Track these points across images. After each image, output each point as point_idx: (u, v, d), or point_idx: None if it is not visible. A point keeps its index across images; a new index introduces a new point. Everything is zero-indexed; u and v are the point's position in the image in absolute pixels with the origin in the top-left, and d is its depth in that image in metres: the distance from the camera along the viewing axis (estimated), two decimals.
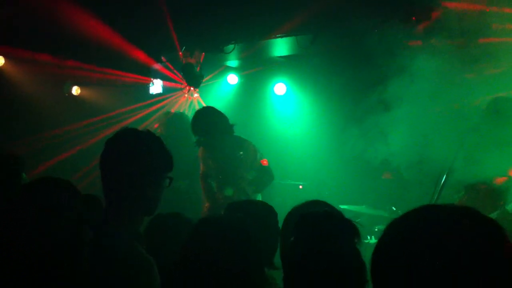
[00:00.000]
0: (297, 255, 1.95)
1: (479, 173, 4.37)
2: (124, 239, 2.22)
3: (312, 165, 7.84)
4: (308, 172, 7.86)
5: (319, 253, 1.89)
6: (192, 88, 7.84)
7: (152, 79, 8.38)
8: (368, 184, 7.03)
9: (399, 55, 5.38)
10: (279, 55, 7.99)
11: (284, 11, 6.19)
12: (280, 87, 8.45)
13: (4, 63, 7.46)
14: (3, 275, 2.31)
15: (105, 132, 7.31)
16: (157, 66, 7.91)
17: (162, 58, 7.65)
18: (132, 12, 6.40)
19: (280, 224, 2.99)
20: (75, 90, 8.41)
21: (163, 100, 8.56)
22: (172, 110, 7.89)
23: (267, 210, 3.08)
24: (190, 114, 8.16)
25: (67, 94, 8.29)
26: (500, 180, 4.46)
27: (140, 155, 2.38)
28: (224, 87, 8.85)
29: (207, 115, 5.68)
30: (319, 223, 1.98)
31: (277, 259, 2.75)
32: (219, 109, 5.77)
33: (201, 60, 7.38)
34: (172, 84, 8.29)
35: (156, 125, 7.04)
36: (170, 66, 7.88)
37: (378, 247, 1.34)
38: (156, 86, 8.56)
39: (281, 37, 6.75)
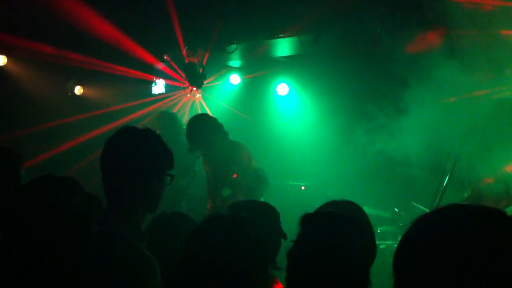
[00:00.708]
0: (300, 254, 1.95)
1: (483, 173, 4.36)
2: (126, 237, 2.21)
3: (314, 166, 7.83)
4: (311, 173, 7.84)
5: (322, 252, 1.89)
6: (194, 88, 7.83)
7: (154, 78, 8.37)
8: (370, 185, 7.01)
9: (408, 53, 5.38)
10: (281, 55, 7.99)
11: (287, 10, 6.18)
12: (282, 88, 8.44)
13: (7, 62, 7.46)
14: (3, 274, 2.31)
15: (105, 130, 7.33)
16: (159, 66, 7.90)
17: (165, 57, 7.63)
18: (135, 10, 6.39)
19: (282, 225, 3.01)
20: (78, 90, 8.41)
21: (165, 99, 8.54)
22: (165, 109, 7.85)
23: (270, 210, 3.08)
24: (191, 114, 8.22)
25: (69, 94, 8.29)
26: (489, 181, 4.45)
27: (140, 152, 2.38)
28: (227, 87, 8.84)
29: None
30: (322, 223, 1.98)
31: (279, 259, 2.75)
32: (214, 112, 5.78)
33: (204, 60, 7.37)
34: (175, 84, 8.28)
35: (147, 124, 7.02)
36: (173, 65, 7.86)
37: (404, 244, 1.33)
38: (159, 86, 8.56)
39: (284, 36, 6.74)
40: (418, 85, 5.20)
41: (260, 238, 2.08)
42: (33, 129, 7.45)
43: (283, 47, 7.46)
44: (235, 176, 5.51)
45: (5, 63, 7.44)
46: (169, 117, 6.72)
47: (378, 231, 6.61)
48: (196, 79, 7.44)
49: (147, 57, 7.36)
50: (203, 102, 8.44)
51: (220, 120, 5.80)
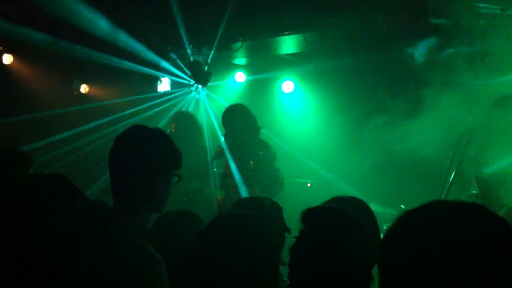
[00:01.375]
0: (301, 250, 1.95)
1: (490, 169, 4.35)
2: (132, 237, 2.21)
3: (320, 163, 7.82)
4: (316, 170, 7.83)
5: (325, 248, 1.89)
6: (200, 86, 7.84)
7: (160, 76, 8.38)
8: (376, 182, 7.00)
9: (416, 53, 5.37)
10: (286, 52, 7.98)
11: (292, 7, 6.17)
12: (287, 85, 8.44)
13: (13, 61, 7.49)
14: (3, 273, 2.31)
15: (113, 129, 7.35)
16: (165, 64, 7.91)
17: (174, 53, 7.63)
18: (141, 8, 6.40)
19: (287, 222, 3.01)
20: (84, 88, 8.44)
21: (171, 97, 8.55)
22: (182, 110, 7.87)
23: (272, 206, 3.08)
24: (196, 112, 8.23)
25: (75, 92, 8.33)
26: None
27: (145, 153, 2.38)
28: (232, 85, 8.84)
29: (236, 112, 5.71)
30: (323, 219, 1.98)
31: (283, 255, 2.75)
32: (219, 110, 5.80)
33: (209, 58, 7.38)
34: (180, 82, 8.28)
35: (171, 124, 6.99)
36: (179, 63, 7.87)
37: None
38: (164, 84, 8.57)
39: (289, 34, 6.73)
40: (427, 83, 5.18)
41: (270, 237, 2.08)
42: (38, 128, 7.49)
43: (289, 44, 7.45)
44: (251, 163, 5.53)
45: (11, 62, 7.48)
46: (186, 118, 6.69)
47: (385, 227, 6.57)
48: (202, 77, 7.44)
49: (153, 55, 7.37)
50: (210, 98, 8.45)
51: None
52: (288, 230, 2.89)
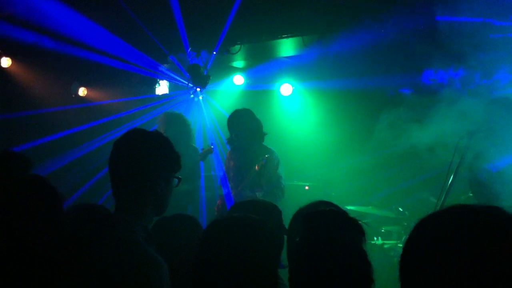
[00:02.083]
0: (303, 255, 1.94)
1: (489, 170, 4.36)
2: (134, 240, 2.21)
3: (318, 165, 7.83)
4: (315, 173, 7.84)
5: (325, 252, 1.88)
6: (198, 89, 7.84)
7: (158, 79, 8.38)
8: (374, 185, 7.00)
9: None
10: (285, 55, 7.99)
11: (291, 11, 6.18)
12: (286, 88, 8.44)
13: (11, 64, 7.48)
14: (4, 273, 2.32)
15: (109, 131, 7.36)
16: (163, 67, 7.91)
17: (172, 56, 7.63)
18: (140, 11, 6.40)
19: (285, 224, 3.01)
20: (82, 91, 8.43)
21: (169, 100, 8.56)
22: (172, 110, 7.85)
23: (271, 208, 3.08)
24: (195, 115, 8.23)
25: (73, 95, 8.32)
26: None
27: (147, 155, 2.38)
28: (230, 88, 8.84)
29: (243, 117, 5.73)
30: (325, 222, 1.98)
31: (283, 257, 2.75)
32: (218, 113, 5.81)
33: (208, 62, 7.38)
34: (179, 85, 8.29)
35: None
36: (177, 66, 7.87)
37: (410, 245, 1.33)
38: (162, 87, 8.57)
39: (287, 37, 6.74)
40: (422, 86, 5.20)
41: (272, 239, 2.08)
42: (37, 131, 7.48)
43: (287, 47, 7.47)
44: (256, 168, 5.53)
45: (9, 65, 7.47)
46: (175, 119, 6.67)
47: (383, 230, 6.60)
48: (200, 80, 7.44)
49: (151, 58, 7.37)
50: (208, 101, 8.45)
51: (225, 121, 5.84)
52: (287, 232, 2.89)
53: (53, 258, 2.22)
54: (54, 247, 2.28)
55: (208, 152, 6.27)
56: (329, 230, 1.95)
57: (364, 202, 6.82)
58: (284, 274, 2.62)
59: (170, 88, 8.62)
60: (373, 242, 6.18)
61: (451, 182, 4.40)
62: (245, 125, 5.66)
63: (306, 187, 7.74)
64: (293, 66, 8.23)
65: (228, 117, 5.85)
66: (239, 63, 8.58)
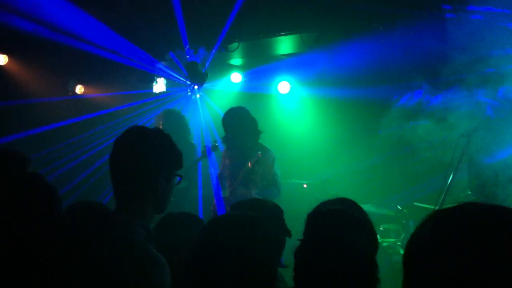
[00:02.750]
0: (307, 253, 1.93)
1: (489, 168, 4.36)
2: (135, 239, 2.19)
3: (316, 164, 7.82)
4: (313, 171, 7.83)
5: (330, 251, 1.87)
6: (196, 87, 7.82)
7: (155, 77, 8.35)
8: (373, 183, 7.00)
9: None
10: (283, 53, 7.97)
11: (289, 8, 6.16)
12: (284, 86, 8.43)
13: (8, 62, 7.45)
14: (4, 273, 2.30)
15: (106, 129, 7.33)
16: (160, 65, 7.89)
17: (168, 54, 7.61)
18: (139, 8, 6.37)
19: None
20: (79, 89, 8.40)
21: (166, 98, 8.53)
22: (170, 108, 7.83)
23: (274, 208, 3.06)
24: (192, 113, 8.21)
25: (70, 93, 8.29)
26: None
27: (148, 153, 2.36)
28: (228, 86, 8.82)
29: (238, 115, 5.70)
30: (331, 221, 1.96)
31: (284, 257, 2.74)
32: (215, 110, 5.80)
33: (207, 61, 7.36)
34: (176, 83, 8.27)
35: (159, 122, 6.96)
36: (175, 64, 7.85)
37: (412, 242, 1.31)
38: (160, 85, 8.54)
39: (285, 34, 6.73)
40: (423, 85, 5.19)
41: (270, 238, 2.06)
42: (33, 128, 7.45)
43: (285, 45, 7.45)
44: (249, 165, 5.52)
45: (6, 62, 7.44)
46: (173, 116, 6.66)
47: (381, 228, 6.60)
48: (198, 77, 7.42)
49: (149, 55, 7.34)
50: (206, 99, 8.43)
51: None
52: (289, 234, 2.88)
53: (53, 258, 2.20)
54: (54, 247, 2.27)
55: (213, 149, 6.23)
56: (333, 229, 1.94)
57: (362, 200, 6.79)
58: (286, 274, 2.62)
59: (168, 85, 8.59)
60: None
61: (450, 180, 4.40)
62: (240, 123, 5.64)
63: (304, 185, 7.74)
64: (291, 64, 8.21)
65: (223, 115, 5.82)
66: (237, 60, 8.57)
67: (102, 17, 6.31)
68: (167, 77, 8.36)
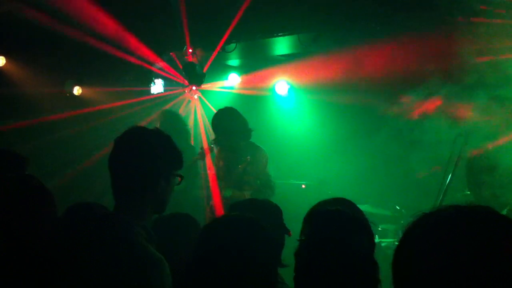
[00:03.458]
0: (308, 254, 1.93)
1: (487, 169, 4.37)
2: (135, 239, 2.19)
3: (315, 164, 7.82)
4: (311, 171, 7.83)
5: (331, 252, 1.87)
6: (193, 88, 7.82)
7: (153, 78, 8.35)
8: (371, 183, 7.00)
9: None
10: (281, 53, 7.97)
11: (287, 8, 6.16)
12: (281, 86, 8.42)
13: (5, 63, 7.43)
14: (4, 273, 2.30)
15: (104, 130, 7.33)
16: (158, 65, 7.88)
17: (167, 55, 7.60)
18: (137, 9, 6.36)
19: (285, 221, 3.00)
20: (77, 90, 8.38)
21: (164, 99, 8.52)
22: (168, 109, 7.82)
23: (273, 207, 3.07)
24: (190, 114, 8.21)
25: (68, 94, 8.27)
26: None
27: (148, 153, 2.36)
28: (225, 86, 8.82)
29: (227, 116, 5.68)
30: (331, 221, 1.96)
31: (283, 257, 2.74)
32: (213, 111, 5.78)
33: (208, 60, 7.36)
34: (174, 83, 8.26)
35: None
36: (173, 64, 7.84)
37: (406, 241, 1.31)
38: (157, 86, 8.54)
39: (283, 35, 6.73)
40: (420, 84, 5.20)
41: (270, 238, 2.07)
42: (31, 130, 7.44)
43: (283, 45, 7.45)
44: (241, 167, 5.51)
45: (3, 64, 7.42)
46: (170, 117, 6.65)
47: (379, 229, 6.60)
48: (196, 78, 7.42)
49: (147, 55, 7.33)
50: (203, 100, 8.42)
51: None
52: (288, 232, 2.88)
53: (53, 258, 2.21)
54: (54, 247, 2.27)
55: (210, 150, 6.23)
56: (335, 230, 1.94)
57: (360, 200, 6.80)
58: (285, 273, 2.62)
59: (165, 86, 8.58)
60: None
61: (449, 180, 4.40)
62: (230, 124, 5.61)
63: (303, 186, 7.74)
64: (289, 64, 8.21)
65: (212, 117, 5.80)
66: (234, 61, 8.56)
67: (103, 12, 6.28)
68: (165, 78, 8.35)
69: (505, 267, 1.15)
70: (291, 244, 2.65)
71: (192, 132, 7.29)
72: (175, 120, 6.64)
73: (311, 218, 2.01)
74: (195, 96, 8.27)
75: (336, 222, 1.97)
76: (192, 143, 7.09)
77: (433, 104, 5.08)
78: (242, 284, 1.98)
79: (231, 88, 8.80)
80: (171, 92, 8.52)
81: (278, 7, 6.20)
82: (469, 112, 4.61)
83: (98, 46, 6.80)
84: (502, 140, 4.42)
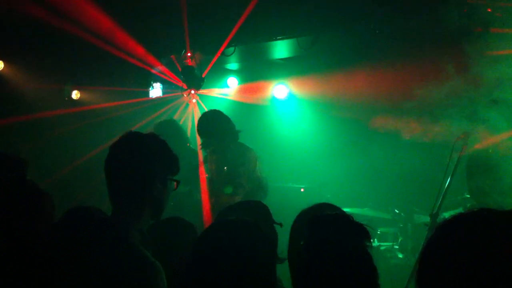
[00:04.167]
0: (308, 258, 1.92)
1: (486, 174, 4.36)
2: (131, 243, 2.19)
3: (313, 168, 7.81)
4: (310, 175, 7.82)
5: (330, 256, 1.87)
6: (192, 91, 7.82)
7: (152, 82, 8.35)
8: (370, 187, 7.00)
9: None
10: (280, 57, 7.97)
11: (286, 12, 6.17)
12: (280, 90, 8.43)
13: (4, 67, 7.42)
14: (4, 274, 2.30)
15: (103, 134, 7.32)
16: (157, 69, 7.88)
17: (166, 58, 7.60)
18: (137, 13, 6.36)
19: (281, 227, 2.99)
20: (75, 94, 8.38)
21: (162, 101, 8.52)
22: (169, 116, 7.84)
23: (256, 205, 3.08)
24: (189, 117, 8.20)
25: (66, 98, 8.27)
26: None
27: (144, 158, 2.36)
28: (224, 90, 8.82)
29: (213, 119, 5.64)
30: (331, 226, 1.96)
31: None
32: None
33: (207, 64, 7.35)
34: (173, 87, 8.26)
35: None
36: (172, 68, 7.84)
37: (433, 247, 1.29)
38: (156, 90, 8.54)
39: (282, 39, 6.73)
40: (418, 87, 5.19)
41: (269, 239, 2.07)
42: (30, 134, 7.43)
43: (282, 49, 7.45)
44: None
45: (1, 68, 7.41)
46: (170, 125, 6.64)
47: (379, 232, 6.60)
48: (194, 82, 7.42)
49: (146, 58, 7.32)
50: (202, 104, 8.42)
51: None
52: (279, 224, 2.89)
53: (53, 259, 2.21)
54: (54, 248, 2.28)
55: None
56: (334, 234, 1.93)
57: (359, 203, 6.81)
58: (284, 275, 2.61)
59: (164, 90, 8.58)
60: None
61: (448, 183, 4.39)
62: (215, 127, 5.58)
63: (302, 189, 7.73)
64: (288, 67, 8.22)
65: (198, 122, 5.75)
66: (233, 65, 8.56)
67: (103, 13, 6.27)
68: (164, 81, 8.35)
69: None
70: (285, 240, 2.67)
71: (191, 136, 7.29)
72: (175, 128, 6.63)
73: (310, 222, 2.01)
74: (193, 100, 8.27)
75: (336, 226, 1.96)
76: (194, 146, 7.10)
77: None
78: (242, 284, 1.98)
79: (230, 91, 8.80)
80: (169, 95, 8.52)
81: (277, 11, 6.20)
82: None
83: (96, 49, 6.80)
84: (502, 144, 4.42)
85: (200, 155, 6.27)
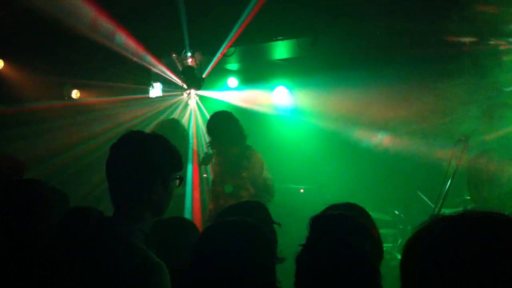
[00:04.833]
0: (308, 259, 1.92)
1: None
2: (134, 243, 2.18)
3: (313, 168, 7.81)
4: (309, 176, 7.82)
5: (332, 257, 1.86)
6: (192, 91, 7.81)
7: (152, 82, 8.35)
8: (370, 188, 6.99)
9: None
10: (280, 58, 7.97)
11: (286, 13, 6.16)
12: (280, 90, 8.43)
13: (4, 66, 7.42)
14: (4, 274, 2.30)
15: (103, 134, 7.32)
16: (157, 69, 7.88)
17: (166, 58, 7.59)
18: (137, 12, 6.35)
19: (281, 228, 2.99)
20: (75, 94, 8.37)
21: (162, 103, 8.52)
22: (169, 115, 7.84)
23: (255, 205, 3.08)
24: (188, 117, 8.20)
25: (66, 98, 8.26)
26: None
27: (146, 157, 2.35)
28: (224, 91, 8.81)
29: (221, 120, 5.65)
30: (332, 226, 1.96)
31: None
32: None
33: (207, 65, 7.35)
34: (173, 87, 8.26)
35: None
36: (172, 68, 7.84)
37: (416, 243, 1.29)
38: (156, 89, 8.53)
39: (282, 39, 6.72)
40: (418, 88, 5.20)
41: (269, 239, 2.07)
42: (30, 134, 7.42)
43: (282, 50, 7.45)
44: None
45: (1, 67, 7.40)
46: (171, 125, 6.64)
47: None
48: (194, 82, 7.42)
49: (147, 58, 7.32)
50: (201, 105, 8.42)
51: None
52: (278, 223, 2.89)
53: (53, 259, 2.21)
54: (54, 248, 2.27)
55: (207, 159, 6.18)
56: (336, 234, 1.93)
57: (359, 204, 6.78)
58: (283, 276, 2.60)
59: (164, 90, 8.58)
60: None
61: (448, 185, 4.39)
62: (225, 128, 5.58)
63: (301, 190, 7.73)
64: (288, 68, 8.21)
65: (207, 120, 5.76)
66: (233, 65, 8.56)
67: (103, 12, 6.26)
68: (164, 81, 8.35)
69: None
70: (284, 241, 2.66)
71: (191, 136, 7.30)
72: (176, 128, 6.62)
73: (311, 222, 2.00)
74: (193, 101, 8.27)
75: (337, 226, 1.96)
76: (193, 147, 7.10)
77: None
78: (242, 284, 1.98)
79: (230, 92, 8.79)
80: (169, 94, 8.51)
81: (277, 12, 6.19)
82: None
83: (96, 49, 6.80)
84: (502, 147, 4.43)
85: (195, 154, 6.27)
